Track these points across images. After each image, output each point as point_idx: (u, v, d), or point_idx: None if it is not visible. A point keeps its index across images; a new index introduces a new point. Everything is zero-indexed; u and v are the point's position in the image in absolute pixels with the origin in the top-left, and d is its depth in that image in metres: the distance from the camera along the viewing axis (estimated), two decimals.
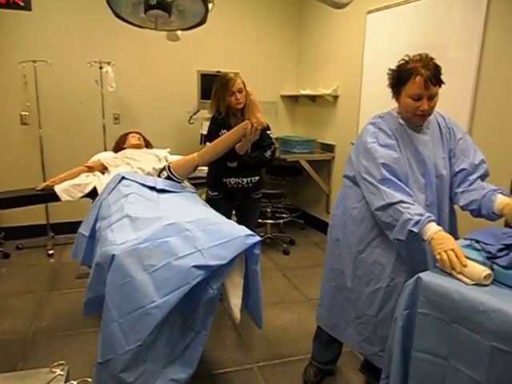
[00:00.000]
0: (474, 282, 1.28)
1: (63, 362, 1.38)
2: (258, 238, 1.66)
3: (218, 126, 2.48)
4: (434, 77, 1.55)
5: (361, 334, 1.80)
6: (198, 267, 1.50)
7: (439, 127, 1.74)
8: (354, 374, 2.17)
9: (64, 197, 2.56)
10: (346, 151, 1.97)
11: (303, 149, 4.22)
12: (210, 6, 1.77)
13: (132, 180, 2.25)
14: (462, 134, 1.76)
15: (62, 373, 1.33)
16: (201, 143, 3.89)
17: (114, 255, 1.53)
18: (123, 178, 2.27)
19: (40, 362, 2.09)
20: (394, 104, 1.73)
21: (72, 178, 2.65)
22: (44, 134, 3.79)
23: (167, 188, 2.24)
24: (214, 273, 1.55)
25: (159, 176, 2.42)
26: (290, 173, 4.31)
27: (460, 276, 1.32)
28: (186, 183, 2.54)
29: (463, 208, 1.70)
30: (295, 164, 4.16)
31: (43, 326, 2.55)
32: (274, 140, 2.54)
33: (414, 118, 1.64)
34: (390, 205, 1.54)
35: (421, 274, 1.38)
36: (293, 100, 4.90)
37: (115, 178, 2.29)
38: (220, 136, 2.38)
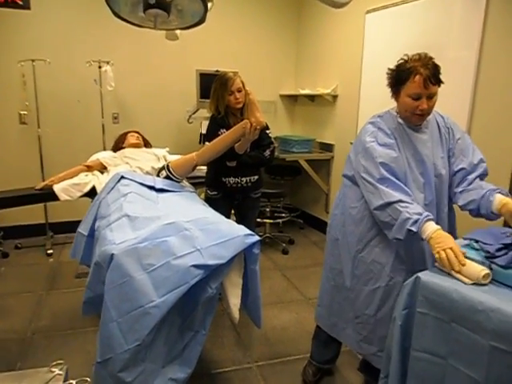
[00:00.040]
0: (472, 282, 1.29)
1: (62, 361, 1.38)
2: (257, 238, 1.66)
3: (217, 125, 2.48)
4: (434, 76, 1.55)
5: (359, 333, 1.80)
6: (196, 266, 1.50)
7: (438, 127, 1.74)
8: (352, 373, 2.17)
9: (63, 196, 2.56)
10: (345, 151, 1.97)
11: (302, 148, 4.22)
12: (209, 5, 1.76)
13: (131, 179, 2.25)
14: (460, 133, 1.76)
15: (60, 372, 1.33)
16: (200, 142, 3.88)
17: (113, 254, 1.53)
18: (122, 177, 2.27)
19: (39, 362, 2.09)
20: (393, 103, 1.73)
21: (71, 178, 2.64)
22: (43, 133, 3.78)
23: (166, 187, 2.24)
24: (212, 272, 1.55)
25: (158, 175, 2.42)
26: (289, 172, 4.30)
27: (459, 275, 1.33)
28: (185, 182, 2.54)
29: (462, 208, 1.70)
30: (294, 163, 4.16)
31: (42, 326, 2.55)
32: (273, 139, 2.54)
33: (414, 118, 1.64)
34: (389, 204, 1.55)
35: (419, 274, 1.38)
36: (292, 99, 4.89)
37: (114, 178, 2.29)
38: (219, 135, 2.38)
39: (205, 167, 2.67)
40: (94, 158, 2.92)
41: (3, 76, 3.71)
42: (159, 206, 1.98)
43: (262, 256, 3.68)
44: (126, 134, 3.11)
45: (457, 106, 2.63)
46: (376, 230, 1.69)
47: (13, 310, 2.72)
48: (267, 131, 2.50)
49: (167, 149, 3.13)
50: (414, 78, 1.56)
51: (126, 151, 2.84)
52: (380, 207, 1.58)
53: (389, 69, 1.67)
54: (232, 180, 2.51)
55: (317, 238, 4.36)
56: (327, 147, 4.31)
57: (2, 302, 2.83)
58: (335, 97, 4.13)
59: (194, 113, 4.01)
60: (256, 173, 2.59)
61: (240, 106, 2.45)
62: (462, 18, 2.67)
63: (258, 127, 2.27)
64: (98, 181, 2.62)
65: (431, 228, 1.45)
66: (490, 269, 1.30)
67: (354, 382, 2.14)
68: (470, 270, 1.31)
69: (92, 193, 2.56)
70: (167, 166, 2.40)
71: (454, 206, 1.80)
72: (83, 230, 2.15)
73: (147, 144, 3.15)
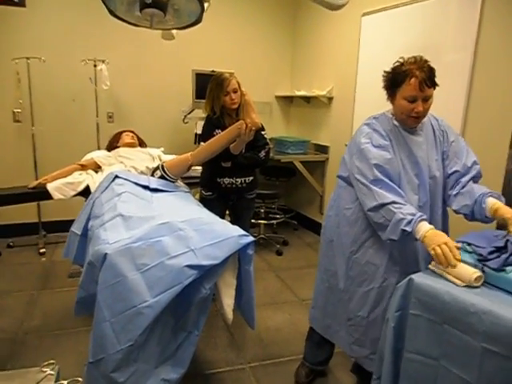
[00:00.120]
0: (465, 284, 1.30)
1: (53, 361, 1.37)
2: (251, 238, 1.66)
3: (212, 125, 2.48)
4: (429, 79, 1.56)
5: (352, 336, 1.81)
6: (190, 267, 1.49)
7: (433, 129, 1.75)
8: (345, 374, 2.17)
9: (56, 195, 2.54)
10: (340, 152, 1.97)
11: (297, 150, 4.22)
12: (205, 5, 1.76)
13: (125, 179, 2.24)
14: (454, 136, 1.77)
15: (52, 372, 1.32)
16: (195, 143, 3.87)
17: (106, 254, 1.52)
18: (116, 176, 2.26)
19: (30, 362, 2.07)
20: (388, 106, 1.74)
21: (65, 177, 2.63)
22: (37, 131, 3.76)
23: (161, 187, 2.23)
24: (206, 273, 1.54)
25: (153, 175, 2.41)
26: (283, 173, 4.31)
27: (451, 278, 1.34)
28: (180, 183, 2.53)
29: (456, 212, 1.71)
30: (289, 165, 4.16)
31: (34, 325, 2.53)
32: (268, 140, 2.54)
33: (409, 120, 1.65)
34: (382, 205, 1.55)
35: (413, 276, 1.39)
36: (287, 101, 4.90)
37: (108, 177, 2.28)
38: (214, 136, 2.37)
39: (200, 167, 2.67)
40: (88, 157, 2.91)
41: None
42: (153, 206, 1.98)
43: (256, 257, 3.68)
44: (120, 133, 3.10)
45: (451, 109, 2.65)
46: (370, 231, 1.70)
47: (4, 310, 2.69)
48: (262, 132, 2.50)
49: (162, 149, 3.12)
50: (409, 81, 1.57)
51: (121, 150, 2.83)
52: (374, 208, 1.59)
53: (384, 71, 1.68)
54: (227, 180, 2.51)
55: (311, 239, 4.37)
56: (322, 149, 4.32)
57: None
58: (330, 99, 4.14)
59: (190, 113, 4.01)
60: (251, 174, 2.59)
61: (235, 106, 2.45)
62: (457, 22, 2.69)
63: (254, 128, 2.27)
64: (92, 180, 2.61)
65: (425, 228, 1.46)
66: (483, 271, 1.32)
67: None
68: (462, 273, 1.32)
69: (86, 192, 2.55)
70: (162, 165, 2.39)
71: (448, 208, 1.81)
72: (76, 229, 2.14)
73: (142, 144, 3.14)
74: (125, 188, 2.10)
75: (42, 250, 3.69)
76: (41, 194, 2.57)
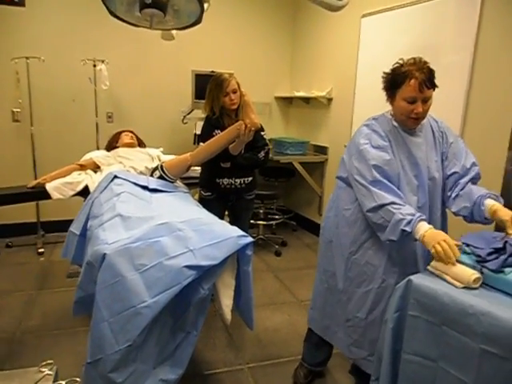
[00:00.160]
0: (463, 285, 1.30)
1: (51, 361, 1.37)
2: (250, 239, 1.66)
3: (211, 126, 2.48)
4: (429, 80, 1.57)
5: (350, 337, 1.80)
6: (189, 267, 1.49)
7: (432, 131, 1.75)
8: (344, 375, 2.17)
9: (55, 195, 2.54)
10: (339, 153, 1.97)
11: (296, 150, 4.22)
12: (205, 5, 1.76)
13: (124, 179, 2.24)
14: (454, 137, 1.78)
15: (50, 372, 1.32)
16: (194, 143, 3.88)
17: (105, 254, 1.52)
18: (115, 176, 2.26)
19: (28, 362, 2.06)
20: (387, 107, 1.74)
21: (64, 176, 2.63)
22: (36, 131, 3.75)
23: (160, 187, 2.23)
24: (205, 273, 1.54)
25: (152, 175, 2.41)
26: (282, 174, 4.31)
27: (450, 279, 1.34)
28: (179, 183, 2.53)
29: (455, 214, 1.72)
30: (288, 165, 4.17)
31: (32, 325, 2.53)
32: (267, 141, 2.55)
33: (409, 121, 1.65)
34: (381, 206, 1.56)
35: (411, 277, 1.39)
36: (287, 101, 4.91)
37: (107, 177, 2.28)
38: (214, 136, 2.38)
39: (199, 168, 2.67)
40: (87, 156, 2.90)
41: None
42: (152, 206, 1.98)
43: (255, 257, 3.68)
44: (119, 133, 3.10)
45: (450, 110, 2.65)
46: (369, 232, 1.70)
47: (3, 309, 2.69)
48: (262, 133, 2.50)
49: (161, 149, 3.12)
50: (409, 82, 1.57)
51: (120, 151, 2.83)
52: (373, 209, 1.59)
53: (384, 72, 1.68)
54: (226, 181, 2.51)
55: (310, 240, 4.37)
56: (321, 150, 4.32)
57: None
58: (330, 100, 4.14)
59: (189, 113, 4.01)
60: (250, 174, 2.59)
61: (235, 107, 2.45)
62: (456, 23, 2.69)
63: (253, 129, 2.27)
64: (91, 180, 2.61)
65: (424, 228, 1.47)
66: (481, 273, 1.32)
67: None
68: (460, 274, 1.32)
69: (85, 192, 2.54)
70: (161, 166, 2.39)
71: (447, 210, 1.81)
72: (75, 229, 2.14)
73: (141, 144, 3.14)
74: (124, 188, 2.10)
75: (40, 250, 3.69)
76: (39, 193, 2.57)
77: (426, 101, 1.60)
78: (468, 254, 1.41)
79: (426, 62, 1.60)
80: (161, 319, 1.51)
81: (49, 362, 1.36)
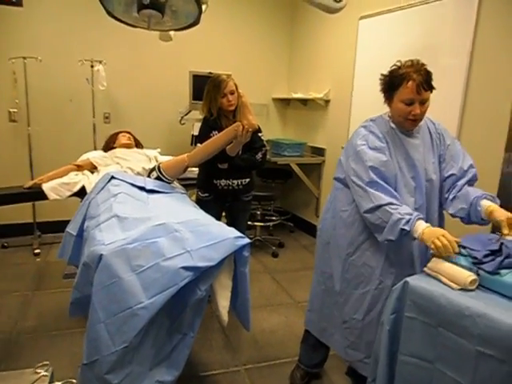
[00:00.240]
0: (459, 287, 1.30)
1: (47, 362, 1.37)
2: (247, 240, 1.66)
3: (209, 127, 2.48)
4: (426, 82, 1.57)
5: (347, 339, 1.81)
6: (186, 268, 1.49)
7: (429, 132, 1.76)
8: (340, 377, 2.17)
9: (52, 195, 2.53)
10: (337, 155, 1.98)
11: (294, 152, 4.23)
12: (203, 7, 1.77)
13: (121, 180, 2.23)
14: (451, 139, 1.78)
15: (46, 373, 1.31)
16: (191, 144, 3.87)
17: (101, 255, 1.52)
18: (112, 177, 2.25)
19: (24, 363, 2.06)
20: (385, 109, 1.74)
21: (60, 177, 2.61)
22: (33, 131, 3.74)
23: (157, 188, 2.23)
24: (202, 274, 1.54)
25: (149, 176, 2.41)
26: (280, 175, 4.31)
27: (446, 280, 1.34)
28: (176, 184, 2.53)
29: (453, 216, 1.72)
30: (286, 167, 4.17)
31: (28, 326, 2.51)
32: (265, 142, 2.55)
33: (406, 123, 1.66)
34: (379, 207, 1.56)
35: (408, 279, 1.39)
36: (284, 103, 4.91)
37: (104, 178, 2.27)
38: (211, 137, 2.38)
39: (196, 169, 2.66)
40: (84, 157, 2.89)
41: None
42: (149, 207, 1.97)
43: (252, 259, 3.67)
44: (117, 133, 3.09)
45: (447, 112, 2.66)
46: (367, 233, 1.70)
47: None
48: (259, 134, 2.50)
49: (159, 150, 3.11)
50: (406, 84, 1.58)
51: (117, 151, 2.82)
52: (370, 210, 1.59)
53: (382, 74, 1.69)
54: (223, 182, 2.51)
55: (307, 241, 4.37)
56: (319, 151, 4.32)
57: None
58: (327, 101, 4.15)
59: (187, 114, 4.00)
60: (247, 175, 2.59)
61: (232, 108, 2.45)
62: (454, 25, 2.70)
63: (250, 130, 2.27)
64: (88, 180, 2.60)
65: (422, 226, 1.48)
66: (478, 274, 1.32)
67: None
68: (457, 276, 1.32)
69: (81, 192, 2.53)
70: (158, 166, 2.38)
71: (444, 211, 1.82)
72: (72, 229, 2.13)
73: (138, 144, 3.13)
74: (121, 189, 2.10)
75: (36, 251, 3.67)
76: (36, 194, 2.56)
77: (423, 103, 1.61)
78: (464, 255, 1.41)
79: (423, 64, 1.61)
80: (157, 320, 1.50)
81: (45, 363, 1.36)
